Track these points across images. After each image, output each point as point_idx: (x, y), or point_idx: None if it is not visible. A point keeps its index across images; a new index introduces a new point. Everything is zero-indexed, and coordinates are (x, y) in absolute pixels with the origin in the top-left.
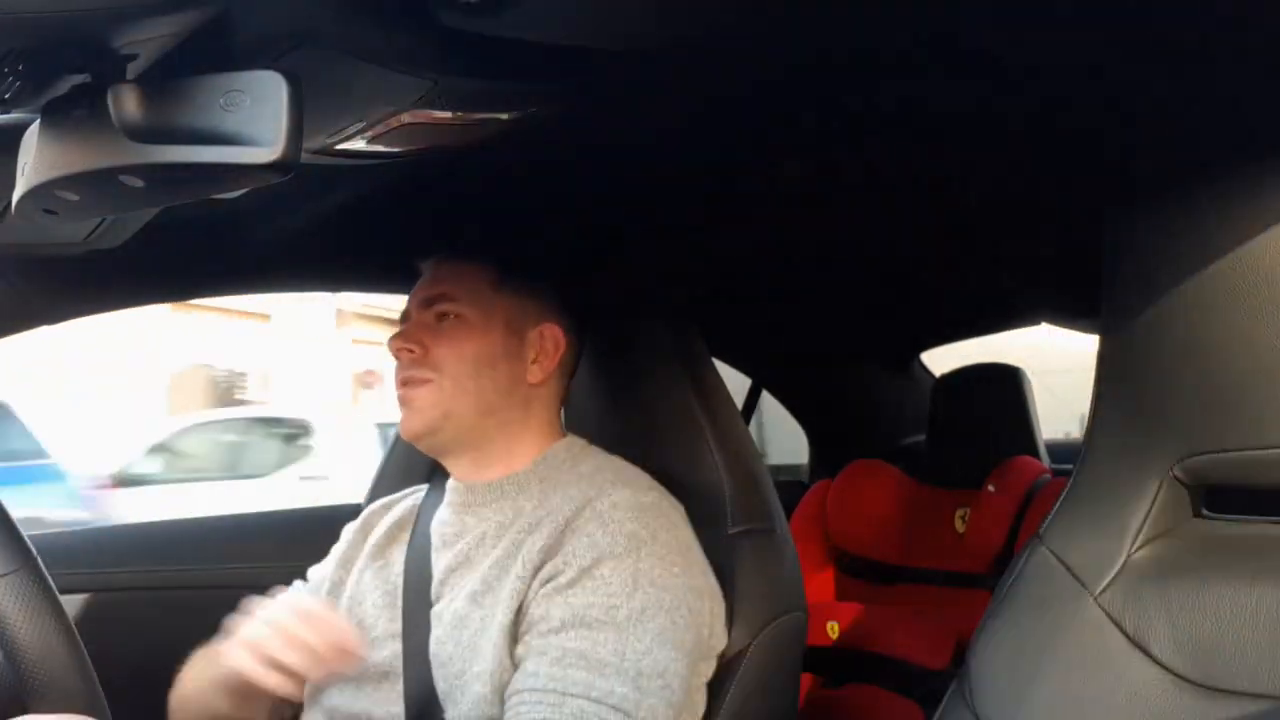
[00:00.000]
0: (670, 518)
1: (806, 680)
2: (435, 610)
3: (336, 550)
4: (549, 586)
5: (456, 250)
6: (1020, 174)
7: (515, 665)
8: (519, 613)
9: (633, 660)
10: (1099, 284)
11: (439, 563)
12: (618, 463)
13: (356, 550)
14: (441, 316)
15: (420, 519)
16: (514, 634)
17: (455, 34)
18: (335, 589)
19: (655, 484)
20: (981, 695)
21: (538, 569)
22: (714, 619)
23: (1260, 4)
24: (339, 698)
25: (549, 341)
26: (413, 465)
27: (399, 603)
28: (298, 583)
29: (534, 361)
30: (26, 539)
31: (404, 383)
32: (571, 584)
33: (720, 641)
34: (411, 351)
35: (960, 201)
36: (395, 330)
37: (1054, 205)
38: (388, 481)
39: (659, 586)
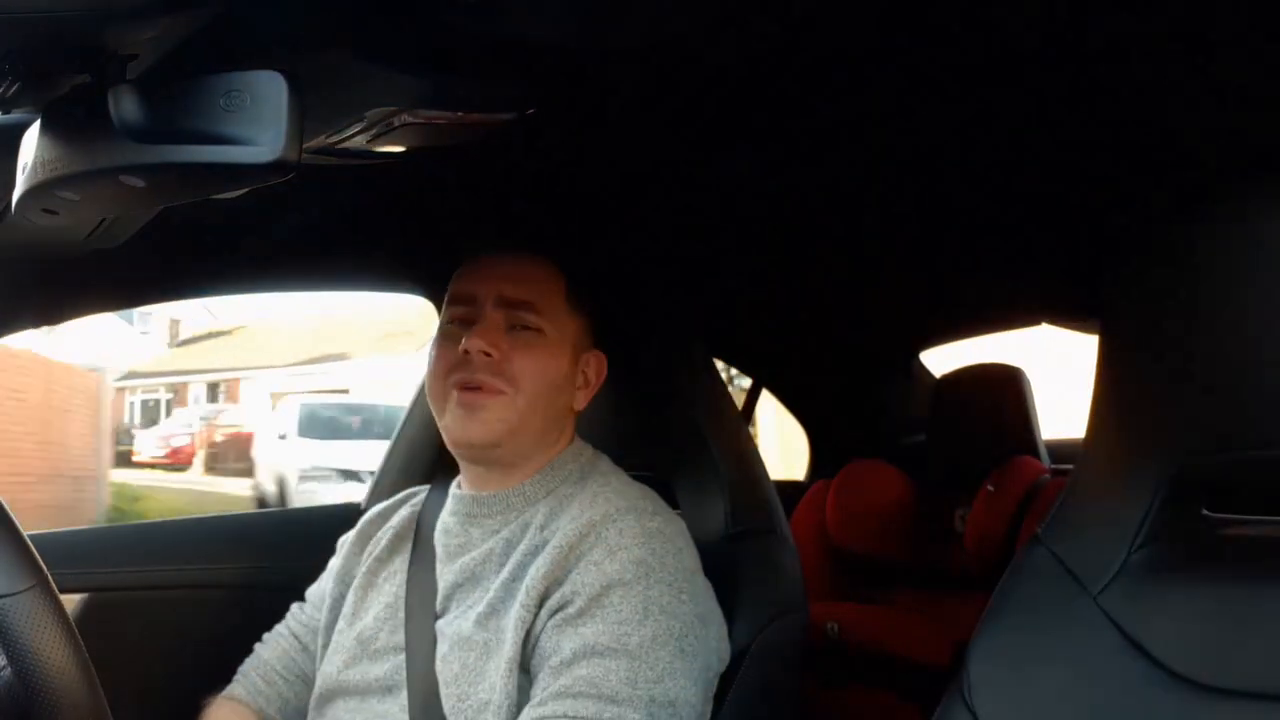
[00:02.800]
0: (676, 543)
1: (807, 680)
2: (439, 624)
3: (334, 564)
4: (558, 617)
5: (533, 247)
6: (1021, 174)
7: (525, 699)
8: (526, 644)
9: (645, 689)
10: (1099, 284)
11: (444, 575)
12: (622, 480)
13: (354, 563)
14: (524, 326)
15: (422, 528)
16: (523, 665)
17: (455, 34)
18: (335, 605)
19: (660, 505)
20: (981, 695)
21: (543, 597)
22: (719, 643)
23: (1261, 6)
24: (344, 711)
25: (592, 370)
26: (414, 464)
27: (401, 614)
28: (294, 606)
29: (580, 388)
30: (37, 555)
31: (476, 387)
32: (581, 614)
33: (723, 664)
34: (489, 355)
35: (960, 201)
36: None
37: (1055, 205)
38: (389, 479)
39: (669, 614)
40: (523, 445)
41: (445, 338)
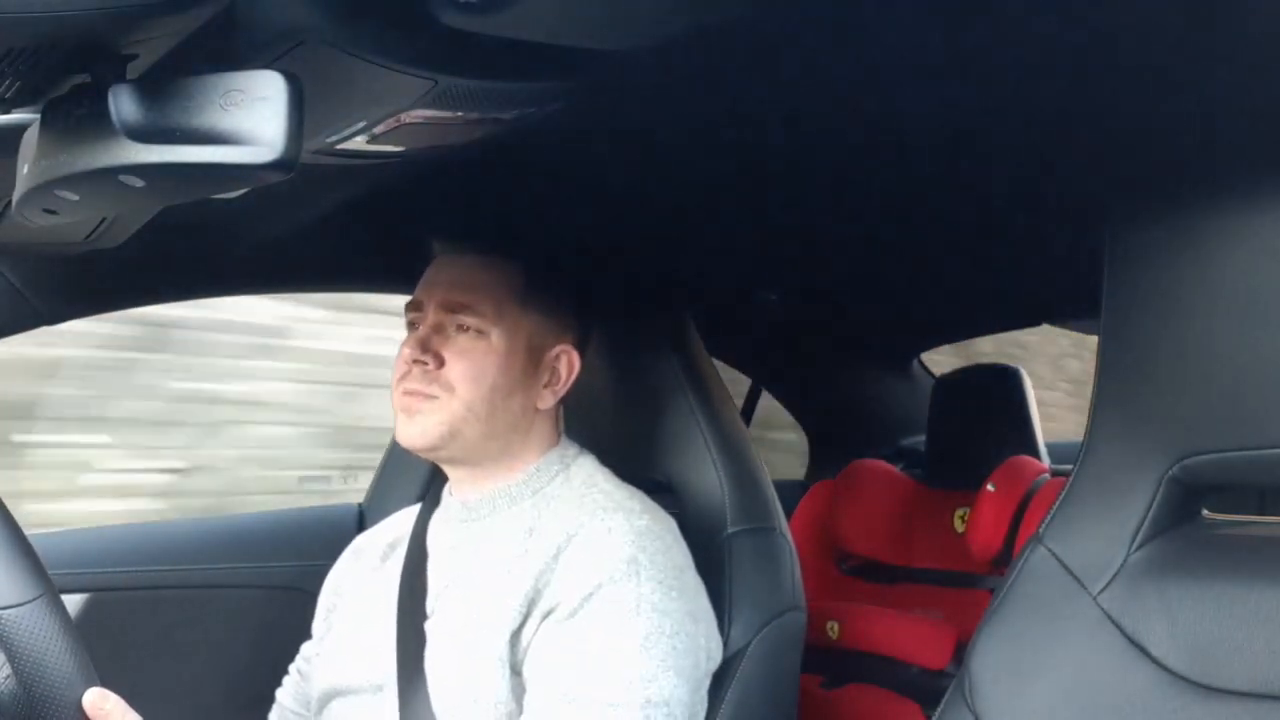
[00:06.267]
0: (665, 540)
1: (806, 680)
2: (429, 625)
3: (329, 581)
4: (550, 619)
5: (481, 245)
6: (1022, 175)
7: (517, 699)
8: (515, 645)
9: (639, 689)
10: (1099, 284)
11: (435, 577)
12: (610, 479)
13: (349, 575)
14: (462, 328)
15: (415, 533)
16: (514, 667)
17: (455, 34)
18: (329, 615)
19: (648, 504)
20: (981, 695)
21: (532, 599)
22: (709, 641)
23: (1260, 17)
24: (339, 712)
25: (564, 366)
26: (413, 466)
27: (392, 616)
28: (304, 646)
29: (546, 386)
30: (44, 566)
31: (410, 393)
32: (573, 614)
33: (715, 663)
34: (425, 364)
35: (961, 201)
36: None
37: (1055, 205)
38: (388, 481)
39: (660, 611)
40: (472, 445)
41: (401, 345)
